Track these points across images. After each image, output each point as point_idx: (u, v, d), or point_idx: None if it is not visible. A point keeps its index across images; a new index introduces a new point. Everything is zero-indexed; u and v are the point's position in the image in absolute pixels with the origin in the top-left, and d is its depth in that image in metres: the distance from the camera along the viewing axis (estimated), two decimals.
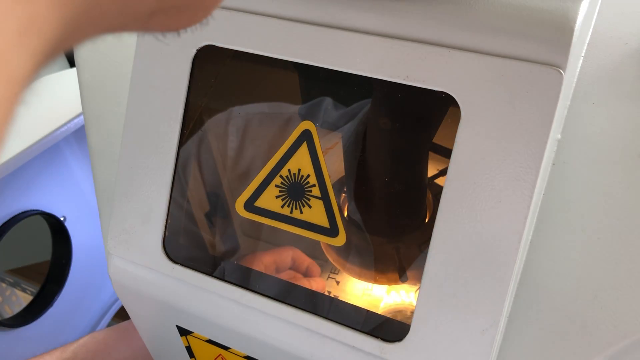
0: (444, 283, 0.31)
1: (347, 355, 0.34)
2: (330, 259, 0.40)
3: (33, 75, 0.12)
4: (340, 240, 0.35)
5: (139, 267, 0.40)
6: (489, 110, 0.29)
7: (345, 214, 0.39)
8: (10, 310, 0.88)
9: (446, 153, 0.31)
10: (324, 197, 0.35)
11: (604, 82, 0.32)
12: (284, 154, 0.36)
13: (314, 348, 0.35)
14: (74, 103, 0.73)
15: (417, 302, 0.32)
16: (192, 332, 0.42)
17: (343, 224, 0.35)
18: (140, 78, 0.38)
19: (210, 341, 0.41)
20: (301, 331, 0.36)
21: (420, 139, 0.36)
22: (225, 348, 0.41)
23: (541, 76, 0.28)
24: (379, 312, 0.35)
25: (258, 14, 0.34)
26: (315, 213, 0.36)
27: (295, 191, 0.36)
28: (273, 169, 0.36)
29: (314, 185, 0.35)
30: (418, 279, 0.33)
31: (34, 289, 0.90)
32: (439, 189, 0.31)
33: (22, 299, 0.92)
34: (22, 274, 0.96)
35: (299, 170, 0.36)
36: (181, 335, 0.43)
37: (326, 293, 0.39)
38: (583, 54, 0.33)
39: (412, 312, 0.32)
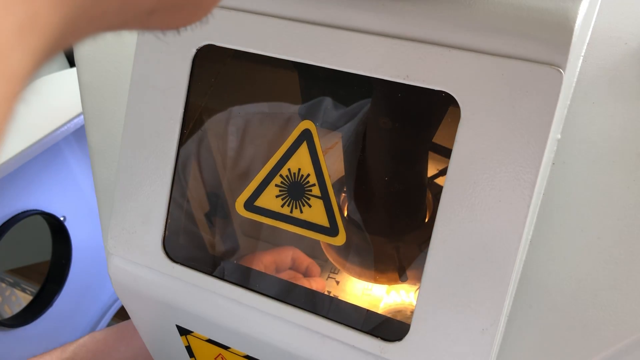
0: (443, 283, 0.31)
1: (347, 355, 0.34)
2: (330, 259, 0.40)
3: (33, 73, 0.12)
4: (340, 239, 0.35)
5: (138, 266, 0.40)
6: (489, 110, 0.29)
7: (345, 213, 0.39)
8: (10, 310, 0.88)
9: (446, 153, 0.31)
10: (324, 197, 0.35)
11: (603, 82, 0.32)
12: (284, 154, 0.36)
13: (314, 347, 0.35)
14: (73, 103, 0.73)
15: (417, 301, 0.32)
16: (192, 332, 0.42)
17: (343, 224, 0.35)
18: (140, 78, 0.38)
19: (210, 341, 0.41)
20: (301, 331, 0.36)
21: (420, 139, 0.36)
22: (225, 348, 0.41)
23: (541, 76, 0.28)
24: (379, 312, 0.35)
25: (258, 14, 0.34)
26: (315, 212, 0.36)
27: (295, 191, 0.36)
28: (273, 168, 0.36)
29: (314, 185, 0.35)
30: (418, 278, 0.33)
31: (34, 289, 0.90)
32: (439, 188, 0.31)
33: (21, 299, 0.92)
34: (22, 274, 0.96)
35: (299, 169, 0.36)
36: (181, 334, 0.43)
37: (326, 293, 0.39)
38: (583, 54, 0.33)
39: (412, 312, 0.32)
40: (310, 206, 0.36)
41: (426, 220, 0.38)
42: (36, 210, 0.81)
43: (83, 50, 0.46)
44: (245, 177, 0.38)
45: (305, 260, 0.41)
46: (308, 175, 0.36)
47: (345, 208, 0.39)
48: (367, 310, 0.35)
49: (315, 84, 0.36)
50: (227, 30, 0.35)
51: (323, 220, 0.35)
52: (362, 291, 0.40)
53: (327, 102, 0.36)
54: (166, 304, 0.40)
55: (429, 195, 0.38)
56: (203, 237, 0.42)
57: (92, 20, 0.13)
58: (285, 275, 0.40)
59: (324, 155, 0.35)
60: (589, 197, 0.32)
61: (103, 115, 0.45)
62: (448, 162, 0.30)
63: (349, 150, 0.37)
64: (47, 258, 0.87)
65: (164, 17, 0.16)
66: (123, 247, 0.40)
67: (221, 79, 0.39)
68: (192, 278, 0.38)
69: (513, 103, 0.29)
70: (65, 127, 0.72)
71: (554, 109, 0.28)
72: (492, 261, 0.30)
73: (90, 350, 0.53)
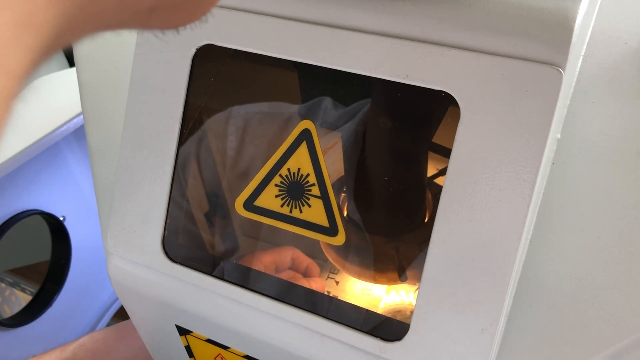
0: (443, 282, 0.31)
1: (346, 355, 0.34)
2: (330, 259, 0.40)
3: (31, 71, 0.11)
4: (340, 239, 0.35)
5: (138, 266, 0.40)
6: (489, 110, 0.29)
7: (345, 213, 0.39)
8: (10, 310, 0.88)
9: (446, 152, 0.31)
10: (324, 197, 0.35)
11: (603, 81, 0.32)
12: (284, 154, 0.36)
13: (314, 347, 0.35)
14: (73, 103, 0.73)
15: (416, 301, 0.32)
16: (191, 332, 0.42)
17: (342, 224, 0.35)
18: (140, 77, 0.38)
19: (209, 341, 0.41)
20: (301, 330, 0.36)
21: (419, 139, 0.36)
22: (225, 347, 0.41)
23: (541, 75, 0.28)
24: (378, 312, 0.35)
25: (258, 13, 0.34)
26: (314, 212, 0.35)
27: (295, 190, 0.36)
28: (272, 168, 0.36)
29: (313, 185, 0.35)
30: (417, 278, 0.33)
31: (34, 288, 0.90)
32: (439, 188, 0.31)
33: (21, 298, 0.92)
34: (21, 273, 0.96)
35: (299, 169, 0.36)
36: (180, 334, 0.43)
37: (326, 293, 0.39)
38: (583, 54, 0.33)
39: (412, 312, 0.32)
40: (309, 206, 0.36)
41: (426, 220, 0.38)
42: (36, 210, 0.81)
43: (82, 50, 0.46)
44: (244, 177, 0.38)
45: (304, 260, 0.41)
46: (308, 175, 0.36)
47: (345, 208, 0.39)
48: (367, 310, 0.35)
49: (315, 83, 0.36)
50: (227, 30, 0.35)
51: (322, 220, 0.35)
52: (361, 291, 0.40)
53: (327, 101, 0.36)
54: (166, 304, 0.40)
55: (429, 195, 0.38)
56: (203, 237, 0.42)
57: (90, 18, 0.13)
58: (284, 275, 0.40)
59: (323, 155, 0.35)
60: (588, 197, 0.32)
61: (103, 115, 0.45)
62: (448, 162, 0.30)
63: (349, 150, 0.37)
64: (46, 258, 0.87)
65: (163, 16, 0.16)
66: (122, 247, 0.40)
67: (221, 79, 0.39)
68: (192, 278, 0.38)
69: (513, 103, 0.29)
70: (65, 127, 0.72)
71: (554, 109, 0.28)
72: (492, 261, 0.30)
73: (89, 350, 0.53)
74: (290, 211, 0.36)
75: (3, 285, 0.94)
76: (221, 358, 0.42)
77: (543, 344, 0.32)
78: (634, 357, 0.31)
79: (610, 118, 0.32)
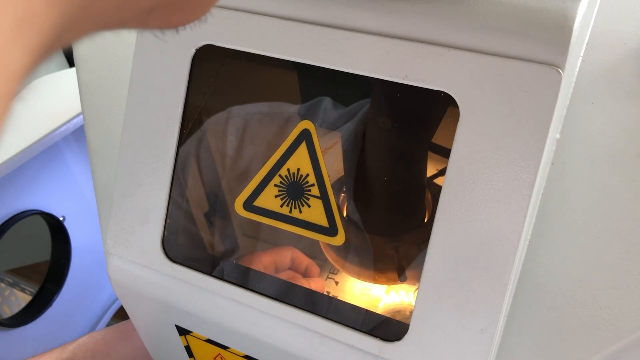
0: (442, 282, 0.31)
1: (346, 355, 0.34)
2: (330, 259, 0.40)
3: (30, 71, 0.11)
4: (340, 239, 0.35)
5: (138, 266, 0.40)
6: (488, 110, 0.29)
7: (345, 213, 0.39)
8: (10, 310, 0.88)
9: (445, 153, 0.31)
10: (323, 197, 0.35)
11: (602, 81, 0.32)
12: (283, 154, 0.36)
13: (313, 347, 0.35)
14: (73, 103, 0.73)
15: (416, 301, 0.32)
16: (191, 332, 0.42)
17: (342, 224, 0.35)
18: (140, 78, 0.38)
19: (209, 341, 0.41)
20: (300, 330, 0.36)
21: (419, 139, 0.36)
22: (225, 347, 0.41)
23: (540, 76, 0.28)
24: (378, 312, 0.35)
25: (257, 14, 0.34)
26: (314, 212, 0.35)
27: (295, 191, 0.36)
28: (272, 168, 0.36)
29: (313, 185, 0.35)
30: (417, 278, 0.33)
31: (33, 289, 0.90)
32: (438, 188, 0.31)
33: (21, 299, 0.92)
34: (21, 274, 0.96)
35: (298, 169, 0.36)
36: (180, 334, 0.43)
37: (325, 293, 0.39)
38: (582, 54, 0.33)
39: (411, 312, 0.32)
40: (309, 206, 0.36)
41: (425, 220, 0.38)
42: (35, 210, 0.81)
43: (82, 50, 0.46)
44: (244, 177, 0.38)
45: (304, 261, 0.41)
46: (307, 175, 0.36)
47: (345, 208, 0.39)
48: (366, 310, 0.35)
49: (315, 83, 0.36)
50: (226, 30, 0.35)
51: (322, 220, 0.35)
52: (361, 291, 0.40)
53: (327, 102, 0.36)
54: (165, 304, 0.40)
55: (428, 195, 0.38)
56: (202, 237, 0.42)
57: (90, 18, 0.13)
58: (284, 276, 0.40)
59: (323, 155, 0.35)
60: (588, 197, 0.32)
61: (102, 115, 0.45)
62: (447, 162, 0.30)
63: (348, 150, 0.37)
64: (46, 258, 0.87)
65: (162, 16, 0.16)
66: (122, 247, 0.40)
67: (220, 79, 0.39)
68: (192, 278, 0.38)
69: (512, 103, 0.29)
70: (65, 127, 0.72)
71: (553, 109, 0.28)
72: (491, 261, 0.30)
73: (89, 350, 0.53)
74: (290, 211, 0.36)
75: (3, 285, 0.94)
76: (221, 358, 0.42)
77: (542, 344, 0.32)
78: (634, 357, 0.31)
79: (609, 118, 0.32)
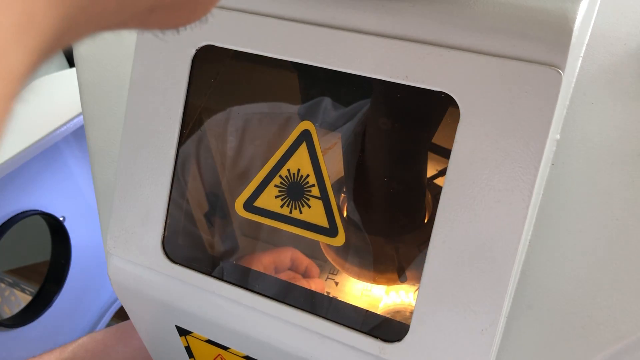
0: (443, 283, 0.31)
1: (346, 355, 0.34)
2: (330, 259, 0.40)
3: (31, 72, 0.11)
4: (340, 240, 0.35)
5: (138, 267, 0.40)
6: (488, 111, 0.29)
7: (345, 214, 0.39)
8: (10, 311, 0.88)
9: (445, 153, 0.31)
10: (324, 197, 0.35)
11: (602, 82, 0.32)
12: (284, 154, 0.36)
13: (313, 348, 0.35)
14: (73, 103, 0.73)
15: (416, 302, 0.32)
16: (191, 332, 0.42)
17: (342, 224, 0.35)
18: (140, 78, 0.38)
19: (209, 341, 0.41)
20: (300, 331, 0.36)
21: (419, 139, 0.36)
22: (225, 348, 0.41)
23: (540, 76, 0.28)
24: (378, 312, 0.35)
25: (257, 14, 0.34)
26: (314, 213, 0.35)
27: (295, 191, 0.36)
28: (272, 168, 0.36)
29: (313, 185, 0.35)
30: (417, 279, 0.33)
31: (33, 289, 0.90)
32: (438, 189, 0.31)
33: (21, 299, 0.92)
34: (21, 274, 0.96)
35: (299, 170, 0.36)
36: (180, 335, 0.43)
37: (325, 293, 0.39)
38: (582, 54, 0.33)
39: (412, 312, 0.32)
40: (309, 207, 0.36)
41: (425, 220, 0.38)
42: (35, 210, 0.81)
43: (82, 50, 0.46)
44: (244, 178, 0.38)
45: (304, 261, 0.41)
46: (307, 175, 0.36)
47: (345, 208, 0.39)
48: (367, 310, 0.35)
49: (315, 84, 0.36)
50: (227, 31, 0.35)
51: (322, 221, 0.35)
52: (361, 292, 0.40)
53: (327, 102, 0.36)
54: (165, 305, 0.40)
55: (428, 196, 0.38)
56: (202, 238, 0.42)
57: (90, 18, 0.13)
58: (284, 276, 0.40)
59: (323, 156, 0.35)
60: (588, 198, 0.32)
61: (103, 116, 0.45)
62: (447, 163, 0.30)
63: (348, 151, 0.37)
64: (46, 258, 0.87)
65: (163, 16, 0.16)
66: (122, 248, 0.40)
67: (220, 79, 0.39)
68: (192, 278, 0.38)
69: (512, 104, 0.29)
70: (65, 127, 0.72)
71: (553, 110, 0.28)
72: (492, 261, 0.30)
73: (89, 351, 0.53)
74: (290, 212, 0.36)
75: (3, 285, 0.94)
76: (221, 358, 0.42)
77: (543, 344, 0.32)
78: (634, 358, 0.31)
79: (609, 119, 0.32)
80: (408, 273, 0.37)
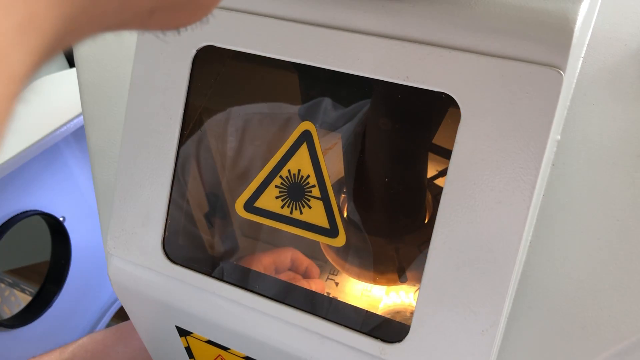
0: (443, 284, 0.31)
1: (346, 356, 0.34)
2: (330, 260, 0.40)
3: (32, 73, 0.11)
4: (340, 240, 0.35)
5: (138, 267, 0.40)
6: (489, 111, 0.29)
7: (345, 214, 0.39)
8: (9, 311, 0.88)
9: (446, 154, 0.31)
10: (324, 198, 0.35)
11: (603, 83, 0.32)
12: (284, 155, 0.36)
13: (314, 348, 0.35)
14: (73, 103, 0.73)
15: (416, 302, 0.32)
16: (191, 333, 0.42)
17: (343, 225, 0.35)
18: (140, 78, 0.38)
19: (209, 342, 0.41)
20: (301, 332, 0.36)
21: (420, 140, 0.36)
22: (225, 349, 0.41)
23: (541, 77, 0.28)
24: (378, 313, 0.35)
25: (258, 15, 0.34)
26: (315, 213, 0.35)
27: (295, 192, 0.36)
28: (273, 169, 0.36)
29: (313, 186, 0.35)
30: (418, 279, 0.33)
31: (33, 289, 0.90)
32: (439, 189, 0.31)
33: (21, 299, 0.92)
34: (21, 274, 0.96)
35: (299, 170, 0.36)
36: (181, 335, 0.43)
37: (325, 294, 0.39)
38: (583, 55, 0.33)
39: (412, 313, 0.32)
40: (310, 207, 0.36)
41: (426, 221, 0.38)
42: (35, 210, 0.81)
43: (83, 51, 0.46)
44: (245, 178, 0.38)
45: (304, 262, 0.41)
46: (308, 176, 0.36)
47: (345, 209, 0.39)
48: (367, 311, 0.35)
49: (315, 84, 0.36)
50: (227, 31, 0.35)
51: (323, 222, 0.35)
52: (361, 292, 0.40)
53: (327, 102, 0.36)
54: (166, 305, 0.40)
55: (429, 196, 0.38)
56: (203, 238, 0.42)
57: (91, 20, 0.13)
58: (284, 277, 0.40)
59: (323, 156, 0.35)
60: (588, 198, 0.32)
61: (103, 116, 0.45)
62: (448, 163, 0.30)
63: (349, 151, 0.37)
64: (46, 258, 0.87)
65: (164, 17, 0.16)
66: (123, 248, 0.40)
67: (221, 80, 0.39)
68: (192, 279, 0.38)
69: (513, 104, 0.29)
70: (65, 128, 0.72)
71: (554, 110, 0.28)
72: (492, 262, 0.30)
73: (89, 351, 0.53)
74: (291, 212, 0.36)
75: (3, 285, 0.94)
76: (221, 359, 0.42)
77: (543, 345, 0.32)
78: (634, 358, 0.31)
79: (610, 119, 0.32)
80: (408, 274, 0.37)
